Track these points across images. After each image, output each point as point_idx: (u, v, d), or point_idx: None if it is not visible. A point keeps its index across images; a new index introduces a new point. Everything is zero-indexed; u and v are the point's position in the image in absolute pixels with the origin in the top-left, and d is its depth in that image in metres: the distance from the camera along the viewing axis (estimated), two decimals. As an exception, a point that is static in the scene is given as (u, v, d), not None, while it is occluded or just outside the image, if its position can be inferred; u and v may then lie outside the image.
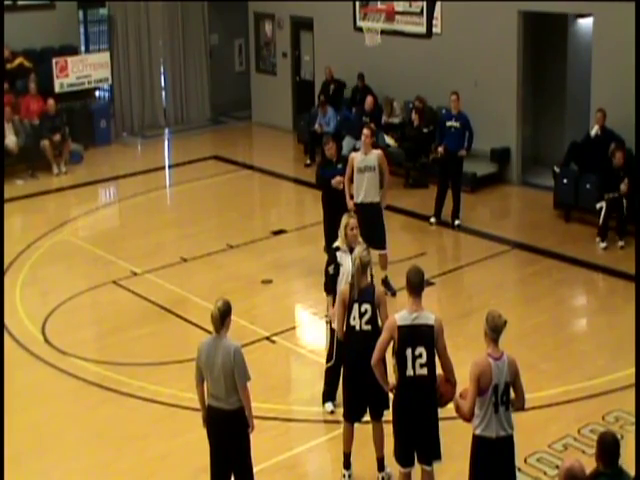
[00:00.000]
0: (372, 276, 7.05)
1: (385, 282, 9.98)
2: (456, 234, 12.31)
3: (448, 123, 12.54)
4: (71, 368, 8.71)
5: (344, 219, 7.51)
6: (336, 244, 7.52)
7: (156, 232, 12.67)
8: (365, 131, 10.02)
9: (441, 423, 6.21)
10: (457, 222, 12.39)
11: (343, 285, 7.28)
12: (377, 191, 9.95)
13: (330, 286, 7.53)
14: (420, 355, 5.93)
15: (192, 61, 18.61)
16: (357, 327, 6.61)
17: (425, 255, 11.41)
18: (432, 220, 12.48)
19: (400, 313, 6.03)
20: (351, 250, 7.32)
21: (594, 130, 12.43)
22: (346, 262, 7.37)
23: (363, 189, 9.91)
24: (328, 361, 7.67)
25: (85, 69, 16.58)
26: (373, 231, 9.94)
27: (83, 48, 17.95)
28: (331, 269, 7.44)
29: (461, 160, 12.45)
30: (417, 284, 6.01)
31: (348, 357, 6.74)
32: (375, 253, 9.99)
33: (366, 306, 6.59)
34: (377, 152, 10.01)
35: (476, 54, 14.27)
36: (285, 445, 7.51)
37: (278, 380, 8.47)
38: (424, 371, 5.96)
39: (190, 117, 18.73)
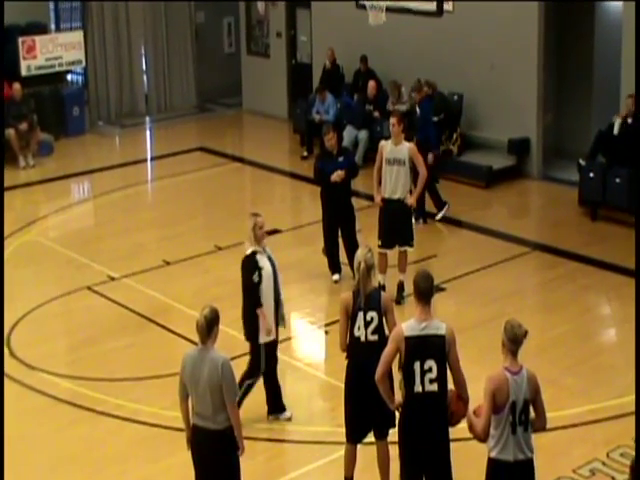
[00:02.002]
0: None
1: (400, 288, 10.00)
2: (469, 234, 12.33)
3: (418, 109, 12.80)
4: (40, 384, 8.70)
5: (251, 220, 7.61)
6: (251, 249, 7.55)
7: (136, 232, 12.67)
8: (391, 119, 9.95)
9: (453, 444, 6.22)
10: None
11: (266, 290, 7.47)
12: (407, 187, 9.95)
13: (256, 298, 7.57)
14: (430, 369, 5.94)
15: (176, 42, 18.63)
16: (362, 338, 6.62)
17: (435, 258, 11.44)
18: (438, 216, 12.56)
19: (407, 322, 6.03)
20: (263, 249, 7.54)
21: (616, 125, 12.39)
22: (266, 265, 7.54)
23: (390, 184, 9.91)
24: (253, 375, 7.73)
25: (55, 50, 16.59)
26: (399, 229, 9.98)
27: (53, 26, 17.96)
28: (256, 277, 7.49)
29: (425, 149, 12.30)
30: (426, 290, 6.02)
31: (351, 370, 6.75)
32: (391, 254, 10.06)
33: (372, 314, 6.61)
34: (409, 145, 9.97)
35: (492, 34, 14.28)
36: (279, 469, 7.51)
37: (271, 397, 8.48)
38: (434, 387, 5.96)
39: (174, 104, 18.74)
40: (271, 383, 7.90)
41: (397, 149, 9.89)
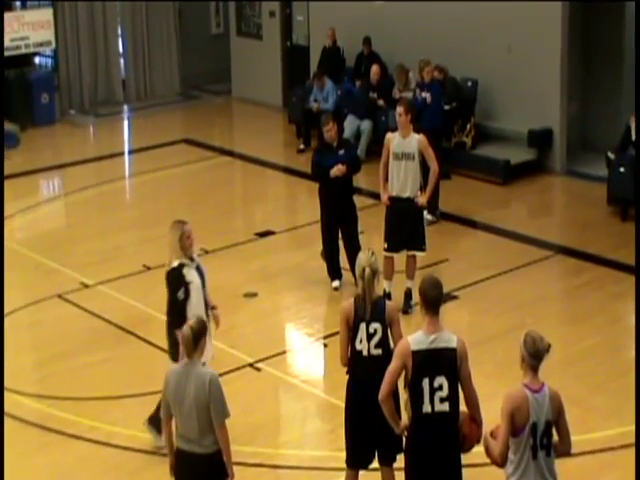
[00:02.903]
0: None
1: (408, 296, 10.01)
2: (485, 236, 12.35)
3: (422, 95, 12.79)
4: (5, 405, 8.68)
5: (176, 229, 7.58)
6: (176, 262, 7.54)
7: (112, 234, 12.68)
8: (398, 108, 9.95)
9: (467, 470, 6.22)
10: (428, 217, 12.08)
11: (195, 305, 7.46)
12: (416, 185, 9.96)
13: (181, 315, 7.51)
14: (440, 387, 5.94)
15: (157, 21, 18.65)
16: (364, 351, 6.64)
17: (447, 262, 11.45)
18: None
19: (414, 335, 6.04)
20: (191, 259, 7.55)
21: (633, 128, 12.41)
22: (195, 277, 7.55)
23: (399, 181, 9.93)
24: None
25: (22, 29, 16.60)
26: (408, 231, 9.98)
27: (19, 3, 17.94)
28: (181, 294, 7.50)
29: (436, 138, 12.39)
30: (435, 299, 6.02)
31: (352, 388, 6.76)
32: (398, 259, 10.07)
33: (375, 325, 6.62)
34: (418, 137, 9.97)
35: (510, 13, 14.30)
36: (272, 499, 7.55)
37: (264, 417, 8.48)
38: (445, 407, 5.96)
39: (155, 91, 18.76)
40: None
41: (405, 142, 9.90)
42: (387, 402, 6.06)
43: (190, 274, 7.56)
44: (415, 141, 9.91)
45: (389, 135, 10.10)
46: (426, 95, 12.73)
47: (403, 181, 9.92)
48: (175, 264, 7.55)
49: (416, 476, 6.13)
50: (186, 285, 7.52)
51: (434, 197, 12.06)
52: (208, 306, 7.75)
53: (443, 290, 6.11)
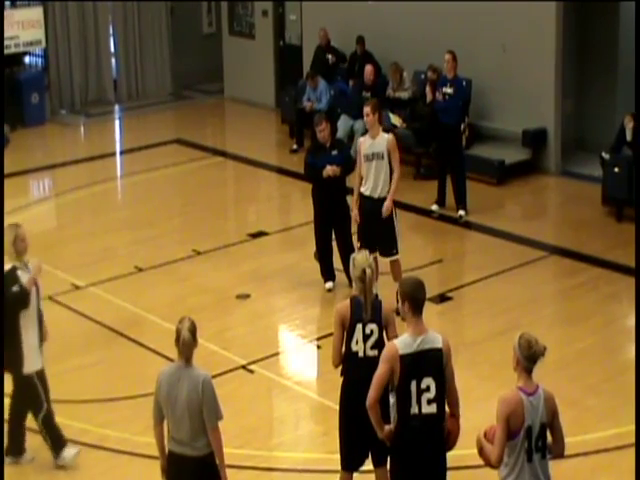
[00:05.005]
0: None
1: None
2: (479, 237, 12.37)
3: (443, 90, 12.83)
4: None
5: (10, 232, 7.58)
6: (10, 264, 7.53)
7: (104, 235, 12.67)
8: (365, 108, 10.00)
9: (458, 473, 6.23)
10: (461, 213, 12.69)
11: (29, 311, 7.48)
12: (387, 184, 9.98)
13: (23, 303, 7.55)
14: (427, 388, 5.94)
15: (149, 20, 18.64)
16: (360, 353, 6.65)
17: (441, 263, 11.47)
18: (434, 207, 12.81)
19: (401, 338, 6.03)
20: (25, 266, 7.55)
21: (628, 130, 12.45)
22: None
23: (370, 181, 9.96)
24: (39, 412, 7.70)
25: (11, 28, 16.56)
26: (380, 233, 9.98)
27: (8, 2, 17.92)
28: (16, 287, 7.48)
29: (457, 134, 12.71)
30: (422, 301, 6.03)
31: (347, 389, 6.77)
32: (385, 261, 10.08)
33: (372, 326, 6.63)
34: (387, 136, 10.02)
35: (505, 12, 14.32)
36: (266, 502, 7.55)
37: (257, 419, 8.49)
38: (432, 408, 5.96)
39: (146, 91, 18.75)
40: (21, 420, 7.84)
41: (375, 142, 9.93)
42: (374, 408, 6.04)
43: (24, 277, 7.51)
44: (384, 140, 9.94)
45: (361, 139, 10.17)
46: (449, 90, 12.76)
47: (375, 181, 9.95)
48: (8, 267, 7.53)
49: (401, 478, 6.13)
50: (21, 287, 7.47)
51: (460, 194, 12.63)
52: (42, 315, 7.73)
53: (426, 291, 6.11)
